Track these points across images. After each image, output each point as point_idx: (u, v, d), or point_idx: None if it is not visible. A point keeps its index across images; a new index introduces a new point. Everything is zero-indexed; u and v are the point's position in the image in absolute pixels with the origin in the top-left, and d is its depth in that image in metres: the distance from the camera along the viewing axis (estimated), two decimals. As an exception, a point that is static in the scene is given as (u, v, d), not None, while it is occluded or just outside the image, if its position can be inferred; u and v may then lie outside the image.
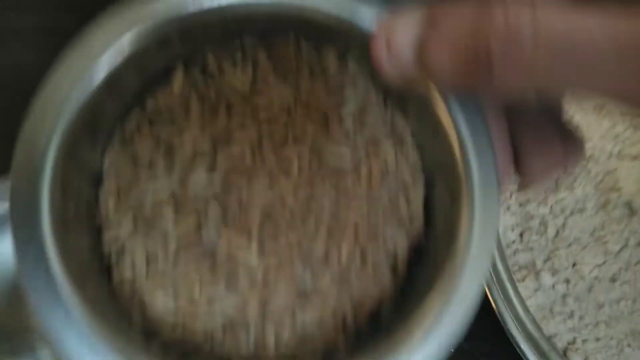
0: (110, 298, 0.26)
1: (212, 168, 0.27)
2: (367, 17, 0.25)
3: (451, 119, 0.25)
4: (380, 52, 0.22)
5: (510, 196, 0.27)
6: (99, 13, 0.38)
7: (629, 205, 0.24)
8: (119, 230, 0.26)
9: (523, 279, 0.25)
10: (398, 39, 0.21)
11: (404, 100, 0.29)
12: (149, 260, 0.26)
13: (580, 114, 0.27)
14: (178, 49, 0.28)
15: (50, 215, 0.22)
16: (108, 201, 0.27)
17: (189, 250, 0.26)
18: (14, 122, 0.34)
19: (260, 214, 0.26)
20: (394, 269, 0.28)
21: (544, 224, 0.25)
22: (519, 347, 0.24)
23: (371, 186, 0.27)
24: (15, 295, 0.30)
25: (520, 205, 0.26)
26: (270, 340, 0.26)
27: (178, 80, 0.28)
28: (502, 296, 0.24)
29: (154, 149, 0.27)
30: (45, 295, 0.21)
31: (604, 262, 0.24)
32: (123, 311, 0.26)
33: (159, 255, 0.26)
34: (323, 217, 0.27)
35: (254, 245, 0.26)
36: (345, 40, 0.28)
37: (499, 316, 0.24)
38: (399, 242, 0.28)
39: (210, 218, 0.26)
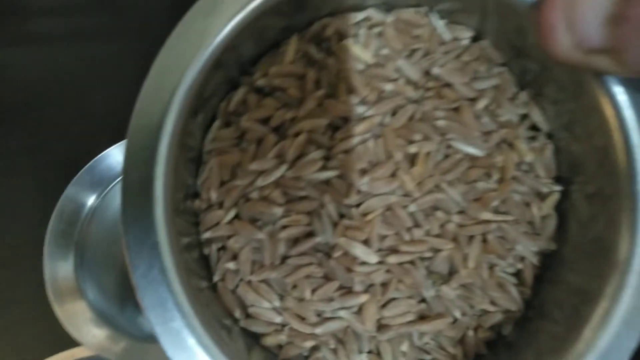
0: (212, 294, 0.23)
1: (328, 151, 0.24)
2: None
3: (617, 116, 0.22)
4: (556, 25, 0.18)
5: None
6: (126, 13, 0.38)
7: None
8: (222, 220, 0.23)
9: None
10: (584, 13, 0.18)
11: (542, 92, 0.25)
12: (254, 255, 0.23)
13: None
14: (293, 18, 0.24)
15: (164, 202, 0.19)
16: (209, 194, 0.24)
17: (299, 246, 0.23)
18: (51, 123, 0.36)
19: (381, 221, 0.23)
20: (521, 280, 0.25)
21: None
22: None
23: (504, 180, 0.24)
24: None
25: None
26: (387, 353, 0.23)
27: (291, 50, 0.24)
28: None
29: (262, 128, 0.24)
30: (155, 289, 0.18)
31: None
32: (224, 309, 0.23)
33: (266, 249, 0.23)
34: (449, 228, 0.23)
35: (374, 258, 0.23)
36: (482, 17, 0.25)
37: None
38: (528, 252, 0.25)
39: (324, 222, 0.23)
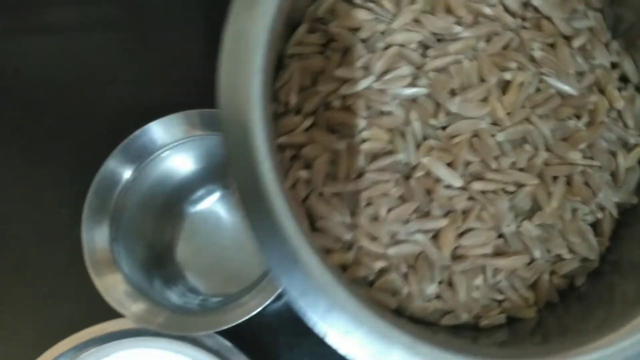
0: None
1: (418, 79, 0.22)
2: None
3: None
4: None
5: None
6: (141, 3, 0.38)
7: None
8: (294, 134, 0.22)
9: None
10: None
11: (635, 44, 0.25)
12: (329, 167, 0.22)
13: None
14: None
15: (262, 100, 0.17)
16: (288, 97, 0.22)
17: (376, 174, 0.22)
18: (68, 113, 0.36)
19: (468, 146, 0.22)
20: (599, 232, 0.24)
21: None
22: None
23: (593, 124, 0.23)
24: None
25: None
26: (462, 285, 0.22)
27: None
28: None
29: (351, 36, 0.23)
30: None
31: None
32: (293, 218, 0.21)
33: (343, 161, 0.22)
34: (536, 163, 0.22)
35: (458, 182, 0.21)
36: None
37: None
38: (609, 202, 0.23)
39: (408, 139, 0.22)
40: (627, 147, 0.24)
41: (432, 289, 0.22)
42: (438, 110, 0.22)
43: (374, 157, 0.22)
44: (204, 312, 0.26)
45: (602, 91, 0.24)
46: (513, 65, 0.23)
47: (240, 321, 0.24)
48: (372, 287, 0.22)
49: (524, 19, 0.23)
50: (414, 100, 0.22)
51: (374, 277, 0.22)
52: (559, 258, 0.23)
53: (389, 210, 0.22)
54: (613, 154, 0.24)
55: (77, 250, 0.28)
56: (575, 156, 0.23)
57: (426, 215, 0.22)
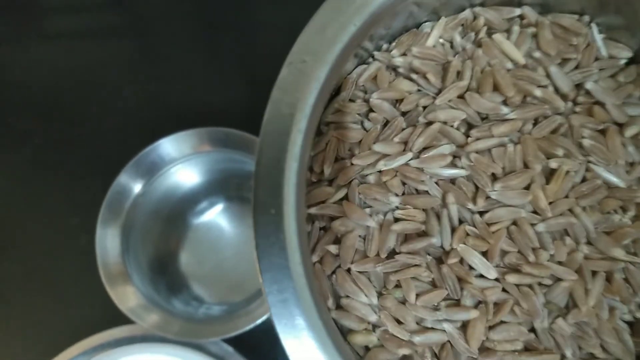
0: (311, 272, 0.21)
1: (461, 145, 0.21)
2: None
3: None
4: None
5: None
6: (143, 11, 0.38)
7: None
8: (330, 198, 0.21)
9: None
10: None
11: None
12: (358, 243, 0.21)
13: None
14: (442, 2, 0.22)
15: (298, 170, 0.17)
16: (322, 167, 0.22)
17: (411, 243, 0.21)
18: (75, 122, 0.36)
19: (509, 219, 0.21)
20: (635, 331, 0.23)
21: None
22: None
23: None
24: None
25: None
26: None
27: (436, 33, 0.23)
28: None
29: (392, 109, 0.22)
30: (277, 263, 0.16)
31: None
32: (319, 289, 0.21)
33: (374, 239, 0.21)
34: (576, 258, 0.21)
35: (492, 273, 0.20)
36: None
37: None
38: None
39: (443, 222, 0.21)
40: (674, 244, 0.23)
41: (456, 380, 0.21)
42: (477, 194, 0.21)
43: (407, 237, 0.21)
44: (214, 320, 0.27)
45: (652, 183, 0.23)
46: (560, 152, 0.22)
47: (248, 328, 0.25)
48: (394, 372, 0.21)
49: (575, 102, 0.22)
50: (452, 181, 0.22)
51: (395, 363, 0.21)
52: (592, 356, 0.22)
53: (418, 295, 0.21)
54: (658, 250, 0.23)
55: (85, 258, 0.29)
56: (618, 253, 0.22)
57: (456, 304, 0.21)
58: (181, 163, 0.28)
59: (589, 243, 0.22)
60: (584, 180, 0.22)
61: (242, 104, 0.35)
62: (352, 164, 0.22)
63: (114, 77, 0.36)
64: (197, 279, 0.30)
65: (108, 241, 0.27)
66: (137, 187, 0.28)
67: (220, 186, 0.30)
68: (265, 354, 0.29)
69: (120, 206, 0.27)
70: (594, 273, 0.22)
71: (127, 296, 0.27)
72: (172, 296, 0.29)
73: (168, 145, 0.28)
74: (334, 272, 0.22)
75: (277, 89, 0.17)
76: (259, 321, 0.25)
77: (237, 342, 0.27)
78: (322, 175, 0.22)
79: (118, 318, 0.27)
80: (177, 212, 0.30)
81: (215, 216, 0.31)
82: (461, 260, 0.21)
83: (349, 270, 0.21)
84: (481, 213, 0.21)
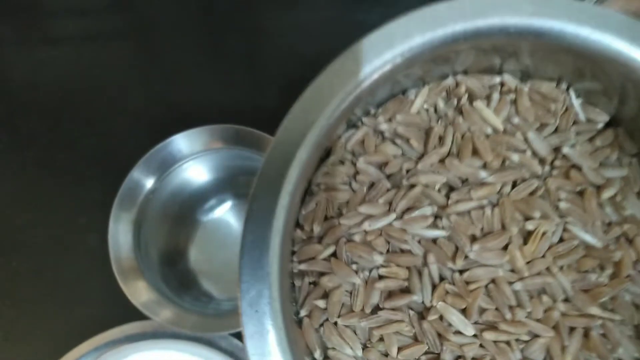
0: (295, 329, 0.22)
1: (440, 209, 0.23)
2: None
3: None
4: None
5: None
6: (148, 13, 0.39)
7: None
8: (319, 255, 0.23)
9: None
10: None
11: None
12: (345, 298, 0.23)
13: None
14: (423, 69, 0.24)
15: (284, 217, 0.19)
16: (312, 227, 0.23)
17: (394, 300, 0.22)
18: (81, 123, 0.37)
19: (484, 293, 0.22)
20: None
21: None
22: None
23: (617, 277, 0.23)
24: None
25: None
26: None
27: (420, 100, 0.24)
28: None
29: (377, 172, 0.24)
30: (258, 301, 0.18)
31: None
32: (305, 346, 0.22)
33: (359, 295, 0.23)
34: (553, 316, 0.22)
35: (470, 330, 0.22)
36: (620, 102, 0.24)
37: None
38: (629, 357, 0.23)
39: (424, 281, 0.22)
40: (653, 301, 0.24)
41: None
42: (457, 254, 0.22)
43: (390, 294, 0.23)
44: (224, 314, 0.27)
45: (631, 241, 0.24)
46: (537, 214, 0.23)
47: None
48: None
49: (552, 166, 0.24)
50: (434, 240, 0.23)
51: (379, 413, 0.23)
52: (570, 411, 0.23)
53: (400, 349, 0.22)
54: (637, 307, 0.23)
55: (93, 257, 0.29)
56: (595, 310, 0.22)
57: (436, 358, 0.22)
58: (192, 160, 0.29)
59: (566, 301, 0.23)
60: (561, 240, 0.23)
61: (249, 104, 0.35)
62: (339, 224, 0.23)
63: (120, 79, 0.37)
64: (207, 275, 0.30)
65: (120, 236, 0.27)
66: (149, 183, 0.28)
67: (230, 183, 0.31)
68: None
69: (132, 202, 0.28)
70: (572, 330, 0.23)
71: (140, 291, 0.27)
72: (182, 292, 0.29)
73: (180, 142, 0.28)
74: (321, 325, 0.23)
75: (266, 163, 0.19)
76: None
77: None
78: (312, 233, 0.24)
79: (128, 315, 0.27)
80: (187, 209, 0.31)
81: (224, 214, 0.31)
82: (441, 317, 0.22)
83: (335, 323, 0.23)
84: (461, 272, 0.23)
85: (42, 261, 0.34)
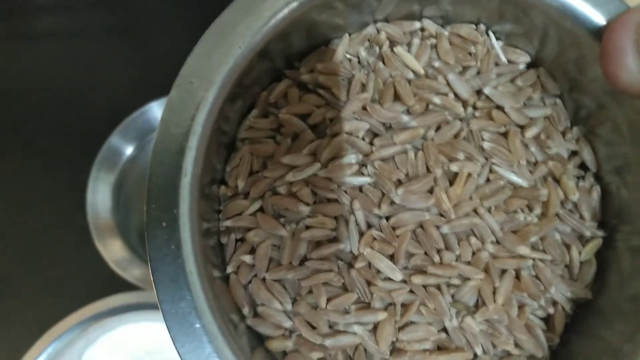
0: (223, 286, 0.22)
1: (364, 169, 0.22)
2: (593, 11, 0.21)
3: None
4: (625, 48, 0.17)
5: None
6: (129, 11, 0.40)
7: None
8: (245, 210, 0.22)
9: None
10: None
11: (595, 131, 0.24)
12: (272, 252, 0.22)
13: None
14: (347, 18, 0.24)
15: (190, 185, 0.18)
16: (236, 182, 0.23)
17: (321, 249, 0.22)
18: (66, 111, 0.38)
19: (410, 237, 0.22)
20: (550, 327, 0.23)
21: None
22: None
23: (546, 216, 0.23)
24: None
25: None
26: None
27: (341, 49, 0.24)
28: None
29: (300, 123, 0.23)
30: (169, 265, 0.17)
31: None
32: (233, 303, 0.22)
33: (286, 248, 0.22)
34: (482, 257, 0.22)
35: (398, 275, 0.21)
36: (541, 44, 0.24)
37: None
38: (561, 297, 0.23)
39: (351, 228, 0.22)
40: (583, 240, 0.24)
41: (369, 382, 0.21)
42: (382, 199, 0.22)
43: (318, 244, 0.22)
44: None
45: (557, 181, 0.24)
46: (461, 156, 0.23)
47: None
48: (309, 376, 0.22)
49: (475, 107, 0.23)
50: (360, 188, 0.22)
51: (311, 367, 0.22)
52: (507, 353, 0.23)
53: (329, 300, 0.22)
54: (567, 247, 0.23)
55: (79, 236, 0.30)
56: (524, 250, 0.22)
57: (366, 306, 0.22)
58: None
59: (496, 243, 0.23)
60: (488, 181, 0.23)
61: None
62: (264, 177, 0.23)
63: (102, 71, 0.38)
64: None
65: (99, 196, 0.28)
66: (128, 150, 0.29)
67: None
68: None
69: (111, 166, 0.29)
70: (503, 272, 0.23)
71: (114, 249, 0.28)
72: None
73: (156, 110, 0.29)
74: (250, 282, 0.22)
75: (166, 110, 0.18)
76: None
77: None
78: (237, 189, 0.23)
79: (115, 290, 0.28)
80: None
81: None
82: (369, 264, 0.22)
83: (264, 279, 0.22)
84: (387, 218, 0.22)
85: (29, 241, 0.35)
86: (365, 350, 0.22)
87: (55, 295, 0.33)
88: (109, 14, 0.39)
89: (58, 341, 0.29)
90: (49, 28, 0.39)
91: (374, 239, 0.22)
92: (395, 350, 0.22)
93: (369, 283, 0.22)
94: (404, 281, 0.22)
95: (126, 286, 0.28)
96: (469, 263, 0.22)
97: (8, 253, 0.35)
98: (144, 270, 0.27)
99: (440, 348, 0.22)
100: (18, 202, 0.36)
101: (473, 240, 0.22)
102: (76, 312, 0.29)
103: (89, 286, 0.32)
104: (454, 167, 0.22)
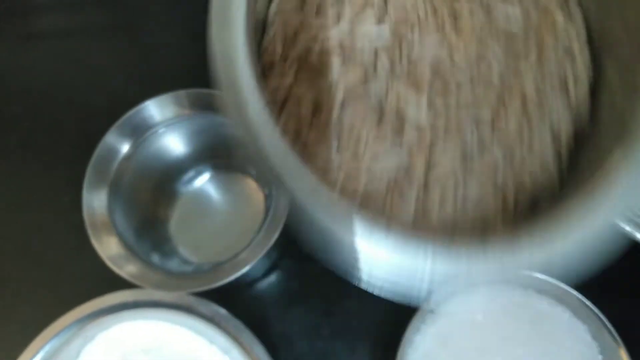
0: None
1: (382, 19, 0.26)
2: None
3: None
4: None
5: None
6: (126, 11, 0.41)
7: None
8: (283, 78, 0.24)
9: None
10: None
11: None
12: (314, 111, 0.24)
13: None
14: None
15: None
16: (275, 48, 0.25)
17: (355, 103, 0.24)
18: (62, 109, 0.38)
19: (430, 69, 0.25)
20: (557, 153, 0.26)
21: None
22: None
23: (541, 53, 0.26)
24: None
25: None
26: (434, 204, 0.23)
27: None
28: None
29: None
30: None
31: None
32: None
33: (324, 106, 0.24)
34: (492, 80, 0.25)
35: (424, 101, 0.24)
36: None
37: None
38: (563, 124, 0.26)
39: (379, 70, 0.25)
40: (573, 57, 0.27)
41: (411, 195, 0.24)
42: (402, 42, 0.25)
43: (352, 89, 0.24)
44: (197, 273, 0.28)
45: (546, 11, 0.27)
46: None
47: (233, 277, 0.25)
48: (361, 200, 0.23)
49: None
50: (380, 36, 0.25)
51: (362, 190, 0.23)
52: (521, 182, 0.25)
53: (369, 133, 0.23)
54: (562, 67, 0.27)
55: (78, 235, 0.29)
56: (525, 66, 0.25)
57: (400, 131, 0.23)
58: (167, 126, 0.30)
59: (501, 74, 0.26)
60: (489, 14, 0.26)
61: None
62: (298, 40, 0.25)
63: (97, 69, 0.39)
64: (187, 246, 0.31)
65: (95, 195, 0.28)
66: (124, 148, 0.29)
67: (206, 154, 0.32)
68: (256, 321, 0.30)
69: (108, 164, 0.29)
70: (511, 95, 0.25)
71: (110, 246, 0.27)
72: (165, 261, 0.30)
73: (153, 107, 0.29)
74: (300, 131, 0.24)
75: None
76: (244, 270, 0.26)
77: (227, 308, 0.27)
78: (274, 55, 0.25)
79: (111, 288, 0.28)
80: (165, 180, 0.32)
81: (202, 185, 0.32)
82: (398, 97, 0.24)
83: (310, 124, 0.25)
84: (408, 57, 0.25)
85: (25, 239, 0.35)
86: (405, 169, 0.23)
87: (52, 294, 0.33)
88: (106, 13, 0.41)
89: (55, 339, 0.28)
90: (46, 27, 0.41)
91: (399, 75, 0.25)
92: (430, 166, 0.24)
93: (399, 113, 0.24)
94: (429, 107, 0.25)
95: (123, 284, 0.28)
96: (483, 87, 0.25)
97: (4, 251, 0.35)
98: (139, 267, 0.27)
99: (466, 160, 0.24)
100: (13, 200, 0.36)
101: (483, 66, 0.25)
102: (73, 310, 0.29)
103: (86, 284, 0.31)
104: (456, 5, 0.26)
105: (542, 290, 0.24)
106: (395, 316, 0.23)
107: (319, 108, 0.25)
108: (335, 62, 0.25)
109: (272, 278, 0.30)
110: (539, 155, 0.25)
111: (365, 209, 0.23)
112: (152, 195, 0.31)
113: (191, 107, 0.29)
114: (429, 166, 0.25)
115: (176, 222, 0.31)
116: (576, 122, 0.26)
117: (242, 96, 0.20)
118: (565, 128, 0.26)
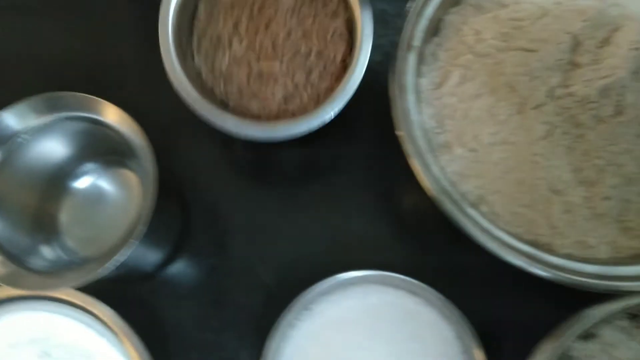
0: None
1: None
2: None
3: None
4: None
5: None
6: None
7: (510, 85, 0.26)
8: None
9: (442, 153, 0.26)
10: None
11: None
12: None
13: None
14: None
15: None
16: None
17: None
18: None
19: None
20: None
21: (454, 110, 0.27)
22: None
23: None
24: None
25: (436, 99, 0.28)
26: None
27: None
28: (426, 167, 0.25)
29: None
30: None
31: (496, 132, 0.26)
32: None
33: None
34: None
35: None
36: None
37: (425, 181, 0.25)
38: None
39: None
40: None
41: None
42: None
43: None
44: (53, 271, 0.27)
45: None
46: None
47: (99, 275, 0.25)
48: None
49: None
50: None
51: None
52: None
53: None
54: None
55: None
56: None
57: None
58: (32, 134, 0.29)
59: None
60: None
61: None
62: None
63: (28, 51, 0.36)
64: (75, 239, 0.31)
65: None
66: None
67: (92, 153, 0.32)
68: (152, 311, 0.31)
69: None
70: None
71: None
72: (48, 249, 0.30)
73: (9, 117, 0.28)
74: None
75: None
76: (112, 263, 0.25)
77: (121, 301, 0.27)
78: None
79: None
80: (55, 178, 0.32)
81: (93, 181, 0.32)
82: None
83: None
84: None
85: None
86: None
87: None
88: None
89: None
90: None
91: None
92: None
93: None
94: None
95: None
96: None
97: None
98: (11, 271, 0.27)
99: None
100: None
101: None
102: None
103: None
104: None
105: (413, 292, 0.26)
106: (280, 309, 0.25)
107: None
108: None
109: (167, 272, 0.31)
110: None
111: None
112: (43, 193, 0.31)
113: (51, 112, 0.29)
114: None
115: (67, 219, 0.32)
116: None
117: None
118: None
